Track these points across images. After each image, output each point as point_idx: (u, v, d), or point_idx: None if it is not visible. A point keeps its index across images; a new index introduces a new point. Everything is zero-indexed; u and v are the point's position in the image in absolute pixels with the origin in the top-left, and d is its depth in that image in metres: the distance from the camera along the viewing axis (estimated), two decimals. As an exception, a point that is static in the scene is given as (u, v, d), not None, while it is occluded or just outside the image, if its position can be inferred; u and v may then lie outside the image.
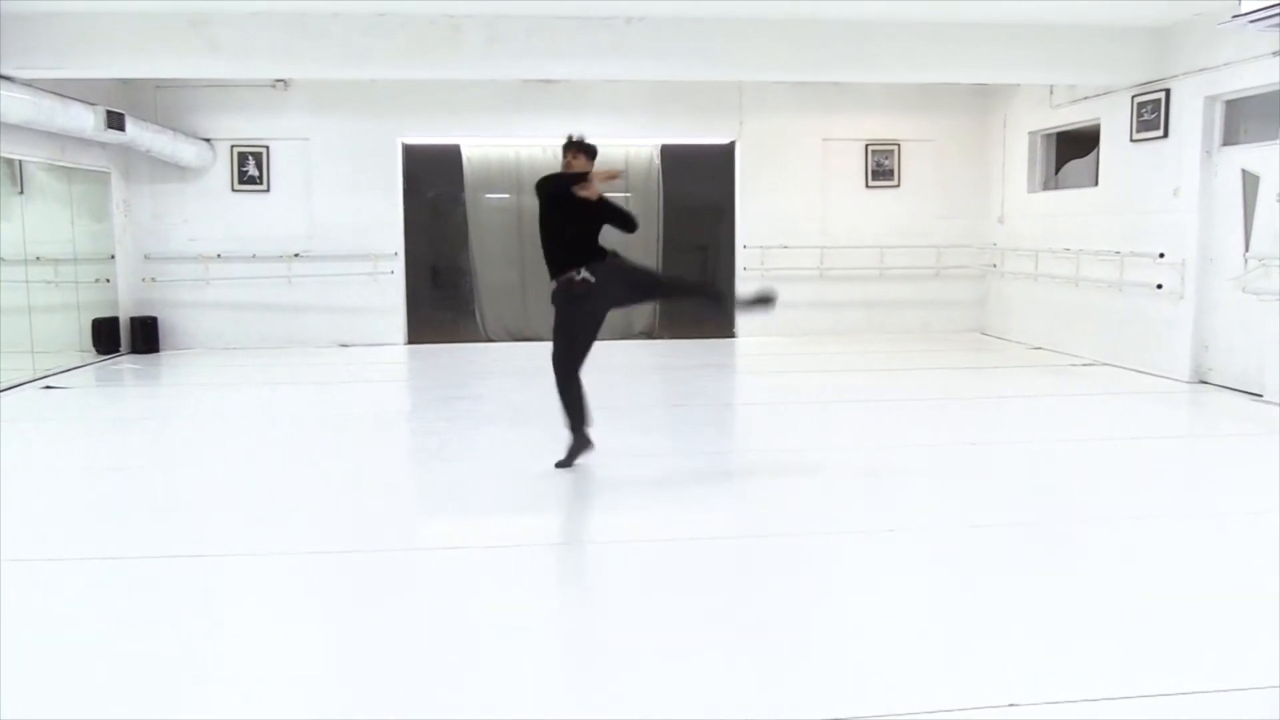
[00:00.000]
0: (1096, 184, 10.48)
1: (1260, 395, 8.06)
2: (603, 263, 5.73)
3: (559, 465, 5.84)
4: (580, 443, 5.88)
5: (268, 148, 11.82)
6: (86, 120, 9.32)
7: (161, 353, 11.45)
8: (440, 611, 3.83)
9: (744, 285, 5.84)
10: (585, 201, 5.74)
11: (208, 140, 11.65)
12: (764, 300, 5.89)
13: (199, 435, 7.33)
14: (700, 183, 12.96)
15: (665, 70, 9.79)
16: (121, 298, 11.40)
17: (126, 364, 10.72)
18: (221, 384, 9.62)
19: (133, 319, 11.44)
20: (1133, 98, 9.61)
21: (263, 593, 4.09)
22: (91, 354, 10.79)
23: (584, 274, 5.68)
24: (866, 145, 12.64)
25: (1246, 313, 8.28)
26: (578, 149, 6.02)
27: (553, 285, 5.80)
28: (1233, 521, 4.95)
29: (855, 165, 12.66)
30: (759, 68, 9.70)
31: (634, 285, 6.02)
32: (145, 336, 11.41)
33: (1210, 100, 8.72)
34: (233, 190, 11.82)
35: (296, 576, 4.28)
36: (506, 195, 12.70)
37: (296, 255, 11.85)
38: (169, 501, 5.46)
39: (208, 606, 3.95)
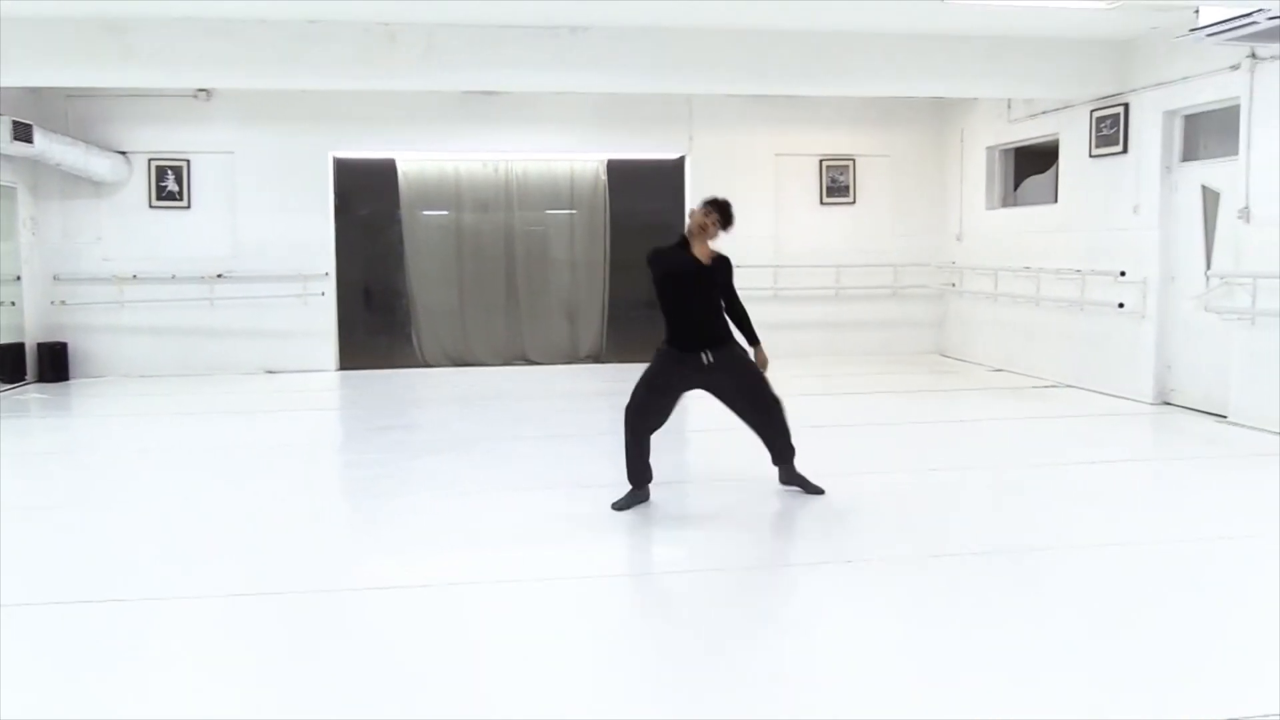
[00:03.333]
0: (1056, 200, 10.72)
1: (1224, 417, 8.26)
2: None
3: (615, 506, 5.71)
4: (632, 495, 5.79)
5: (188, 161, 11.66)
6: (-10, 132, 9.15)
7: (72, 381, 11.19)
8: (377, 656, 3.76)
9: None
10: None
11: (123, 153, 11.47)
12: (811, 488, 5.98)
13: (114, 471, 7.16)
14: (649, 199, 13.02)
15: (612, 82, 9.84)
16: (28, 322, 11.14)
17: (33, 394, 10.45)
18: (138, 414, 9.42)
19: (40, 345, 11.18)
20: (1091, 112, 9.85)
21: (187, 640, 3.99)
22: (-5, 383, 10.54)
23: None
24: (821, 160, 12.80)
25: (1209, 332, 8.50)
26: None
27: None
28: (1199, 548, 5.05)
29: (809, 181, 12.81)
30: (709, 80, 9.79)
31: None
32: (54, 364, 11.15)
33: (1169, 115, 8.97)
34: (150, 206, 11.64)
35: (223, 621, 4.17)
36: (445, 212, 12.67)
37: (219, 276, 11.68)
38: (82, 543, 5.31)
39: (129, 655, 3.85)
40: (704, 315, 5.71)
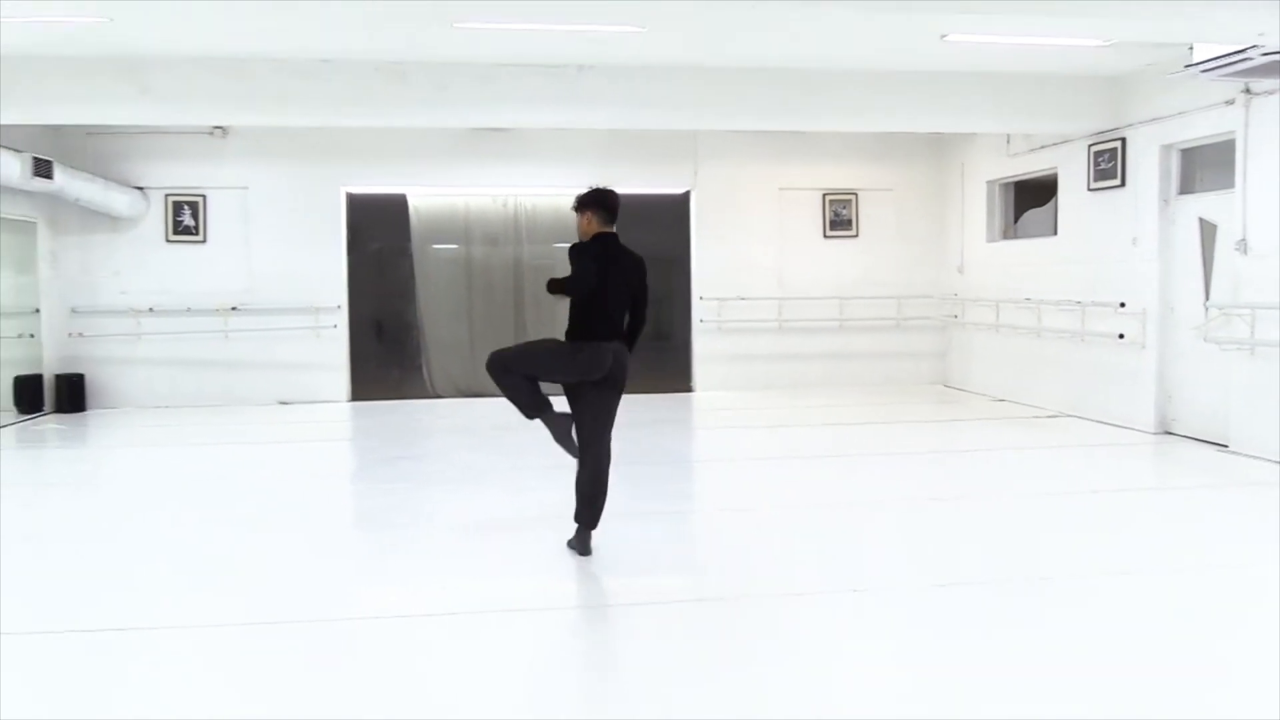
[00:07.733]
0: (1055, 233, 10.74)
1: (1225, 446, 8.22)
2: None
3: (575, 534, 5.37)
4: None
5: (204, 197, 11.75)
6: (12, 168, 9.21)
7: (88, 412, 11.22)
8: (386, 686, 3.75)
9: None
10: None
11: (141, 189, 11.56)
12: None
13: (126, 500, 7.17)
14: (654, 233, 13.01)
15: (617, 119, 9.92)
16: (46, 354, 11.20)
17: (50, 424, 10.49)
18: (152, 445, 9.45)
19: (58, 376, 11.22)
20: (1089, 146, 9.89)
21: (194, 669, 3.98)
22: (13, 414, 10.56)
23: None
24: (824, 194, 12.85)
25: (1209, 362, 8.47)
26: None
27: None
28: (1198, 577, 5.02)
29: (813, 215, 12.85)
30: (713, 116, 9.87)
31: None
32: (71, 395, 11.19)
33: (1166, 149, 9.00)
34: (167, 241, 11.71)
35: (230, 650, 4.17)
36: (455, 246, 12.73)
37: (234, 309, 11.73)
38: (92, 572, 5.31)
39: (135, 685, 3.84)
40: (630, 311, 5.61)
